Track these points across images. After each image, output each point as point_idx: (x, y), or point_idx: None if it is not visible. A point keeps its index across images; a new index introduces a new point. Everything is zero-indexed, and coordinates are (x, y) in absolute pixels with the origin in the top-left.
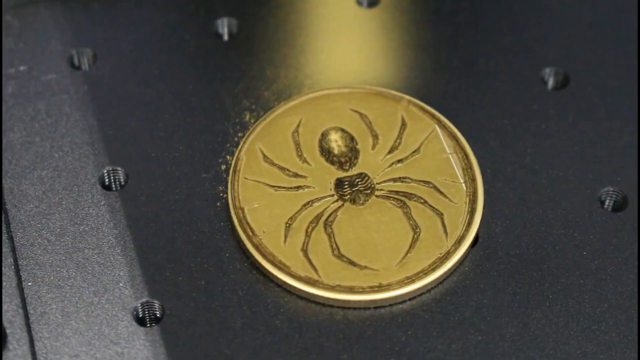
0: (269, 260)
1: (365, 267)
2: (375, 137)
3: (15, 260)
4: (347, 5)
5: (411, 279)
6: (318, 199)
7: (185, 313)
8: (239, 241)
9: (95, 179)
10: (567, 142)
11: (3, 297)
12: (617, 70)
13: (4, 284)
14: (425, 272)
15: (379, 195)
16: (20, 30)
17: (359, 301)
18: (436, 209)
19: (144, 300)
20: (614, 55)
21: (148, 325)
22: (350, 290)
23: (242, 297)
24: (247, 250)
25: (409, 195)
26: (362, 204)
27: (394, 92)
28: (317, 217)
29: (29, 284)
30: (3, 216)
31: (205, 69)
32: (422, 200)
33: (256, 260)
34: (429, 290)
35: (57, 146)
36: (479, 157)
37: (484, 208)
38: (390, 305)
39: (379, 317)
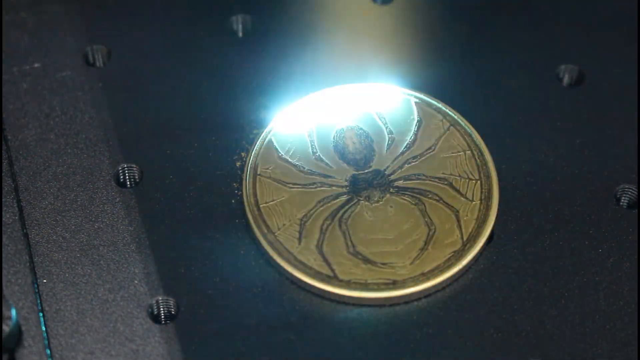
0: (284, 258)
1: (380, 264)
2: (390, 134)
3: (31, 257)
4: (362, 2)
5: (426, 276)
6: (333, 196)
7: (200, 310)
8: (253, 238)
9: (110, 176)
10: (582, 139)
11: (19, 294)
12: (632, 67)
13: (19, 281)
14: (441, 270)
15: (394, 193)
16: (35, 27)
17: (374, 298)
18: (451, 206)
19: (159, 297)
20: (629, 52)
21: (163, 322)
22: (365, 287)
23: (257, 294)
24: (262, 247)
25: (424, 193)
26: (377, 201)
27: (409, 89)
28: (332, 214)
29: (44, 281)
30: (17, 214)
31: (220, 65)
32: (437, 198)
33: (271, 258)
34: (444, 288)
35: (71, 143)
36: (494, 154)
37: (499, 205)
38: (405, 302)
39: (394, 315)
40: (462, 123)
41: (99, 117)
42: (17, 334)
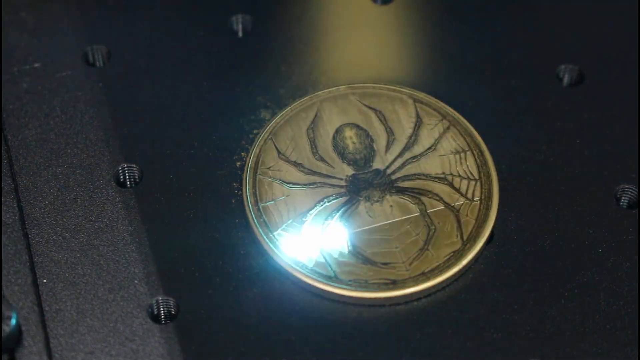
0: (284, 257)
1: (380, 264)
2: (390, 133)
3: (30, 257)
4: (362, 2)
5: (426, 276)
6: (333, 196)
7: (200, 310)
8: (253, 238)
9: (110, 176)
10: (582, 139)
11: (19, 294)
12: (632, 67)
13: (19, 281)
14: (441, 270)
15: (394, 193)
16: (34, 27)
17: (374, 298)
18: (451, 206)
19: (159, 297)
20: (628, 52)
21: (163, 322)
22: (365, 287)
23: (257, 294)
24: (262, 247)
25: (424, 192)
26: (377, 201)
27: (408, 88)
28: (332, 214)
29: (44, 281)
30: (16, 214)
31: (220, 65)
32: (437, 197)
33: (271, 257)
34: (444, 288)
35: (71, 143)
36: (494, 154)
37: (499, 205)
38: (405, 302)
39: (394, 315)
40: (462, 123)
41: (99, 117)
42: (17, 334)
